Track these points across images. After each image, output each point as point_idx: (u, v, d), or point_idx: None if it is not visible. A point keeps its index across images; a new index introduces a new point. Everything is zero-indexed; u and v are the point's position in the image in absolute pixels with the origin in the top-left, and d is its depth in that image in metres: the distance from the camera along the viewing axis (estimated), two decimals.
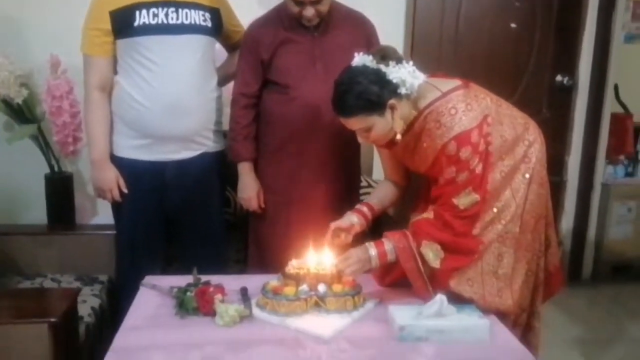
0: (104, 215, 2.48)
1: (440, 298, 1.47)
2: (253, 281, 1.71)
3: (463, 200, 1.61)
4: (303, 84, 2.01)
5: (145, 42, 1.92)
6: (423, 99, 1.65)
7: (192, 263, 2.10)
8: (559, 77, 3.27)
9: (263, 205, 2.11)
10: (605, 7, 3.21)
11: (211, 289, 1.57)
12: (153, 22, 1.92)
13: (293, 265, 1.64)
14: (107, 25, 1.93)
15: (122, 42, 1.95)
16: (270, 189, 2.12)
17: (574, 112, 3.35)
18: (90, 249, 2.29)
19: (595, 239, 3.49)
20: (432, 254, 1.60)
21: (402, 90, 1.60)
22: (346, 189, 2.18)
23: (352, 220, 1.79)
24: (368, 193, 2.77)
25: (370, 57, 1.63)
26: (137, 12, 1.91)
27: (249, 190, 2.10)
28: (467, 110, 1.61)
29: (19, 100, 2.31)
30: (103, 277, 2.23)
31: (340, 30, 2.05)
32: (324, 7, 1.94)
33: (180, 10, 1.95)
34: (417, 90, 1.62)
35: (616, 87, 3.49)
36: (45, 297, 1.72)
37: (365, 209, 1.84)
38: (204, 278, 1.64)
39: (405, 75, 1.60)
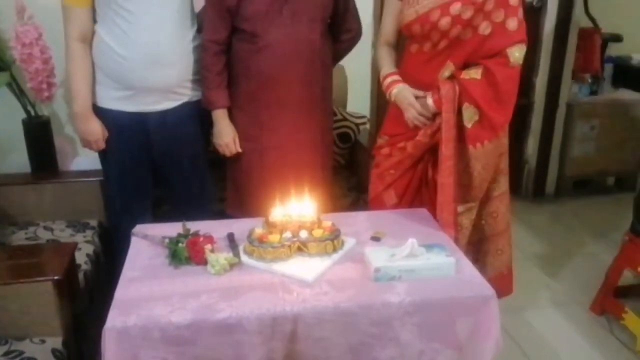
0: (85, 156, 2.54)
1: (411, 241, 1.61)
2: (237, 226, 1.83)
3: (516, 52, 1.80)
4: (271, 32, 2.01)
5: None
6: None
7: (180, 202, 2.24)
8: None
9: (240, 150, 2.18)
10: None
11: (201, 239, 1.68)
12: None
13: (276, 213, 1.76)
14: None
15: None
16: (245, 136, 2.17)
17: (542, 34, 3.40)
18: (78, 194, 2.36)
19: (559, 156, 3.67)
20: (468, 115, 1.83)
21: None
22: (320, 133, 2.25)
23: (410, 91, 1.93)
24: (344, 126, 2.88)
25: None
26: None
27: (224, 136, 2.15)
28: None
29: None
30: (93, 222, 2.33)
31: None
32: None
33: None
34: None
35: (585, 1, 3.53)
36: (46, 254, 1.81)
37: (397, 76, 1.99)
38: (191, 222, 1.74)
39: None
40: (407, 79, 1.98)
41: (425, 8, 1.85)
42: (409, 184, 2.06)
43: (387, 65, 2.04)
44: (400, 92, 1.95)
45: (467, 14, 1.81)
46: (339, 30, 2.22)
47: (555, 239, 3.23)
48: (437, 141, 1.91)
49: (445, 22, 1.82)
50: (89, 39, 2.00)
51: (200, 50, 2.07)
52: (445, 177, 1.89)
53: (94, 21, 2.00)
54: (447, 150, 1.87)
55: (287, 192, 1.81)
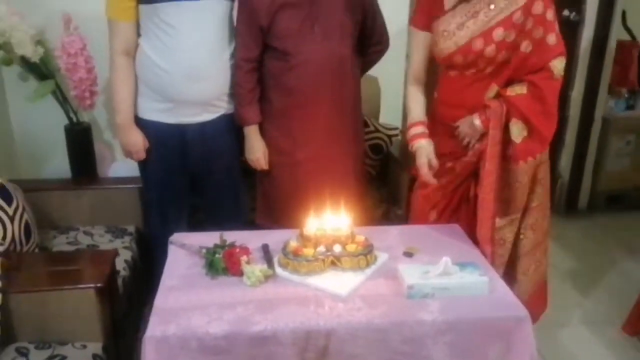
0: (122, 162, 2.61)
1: (445, 260, 1.62)
2: (271, 237, 1.87)
3: (558, 65, 1.85)
4: (303, 50, 2.05)
5: (166, 8, 1.95)
6: None
7: (214, 211, 2.29)
8: (566, 12, 3.27)
9: (267, 167, 2.22)
10: None
11: (237, 250, 1.72)
12: None
13: (310, 226, 1.79)
14: None
15: (144, 7, 1.98)
16: (277, 149, 2.21)
17: (579, 47, 3.37)
18: (116, 201, 2.43)
19: (592, 171, 3.63)
20: (517, 131, 1.86)
21: None
22: (351, 145, 2.27)
23: (429, 150, 1.97)
24: (376, 137, 2.90)
25: None
26: None
27: (255, 151, 2.19)
28: None
29: (36, 59, 2.36)
30: (131, 228, 2.39)
31: None
32: None
33: None
34: None
35: (624, 14, 3.48)
36: (88, 260, 1.86)
37: (423, 128, 2.01)
38: (226, 232, 1.78)
39: None
40: (448, 102, 2.00)
41: (465, 38, 1.86)
42: (450, 202, 2.09)
43: (416, 111, 2.04)
44: (420, 148, 1.97)
45: (511, 37, 1.83)
46: (368, 44, 2.24)
47: (587, 255, 3.19)
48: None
49: (490, 49, 1.84)
50: (132, 53, 2.06)
51: (234, 71, 2.11)
52: (487, 193, 1.90)
53: (138, 35, 2.05)
54: (490, 165, 1.88)
55: (318, 205, 1.85)
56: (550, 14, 1.81)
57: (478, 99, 1.91)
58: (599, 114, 3.50)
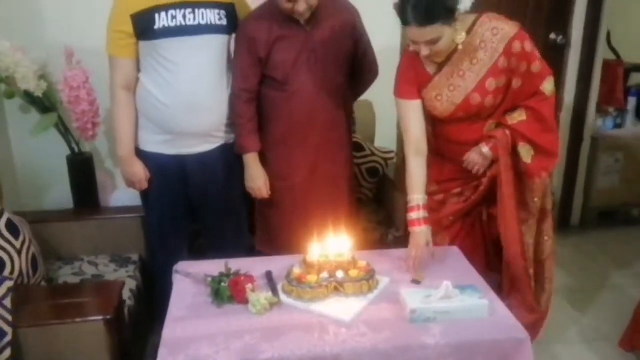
0: (124, 190, 2.65)
1: (446, 284, 1.67)
2: (275, 263, 1.92)
3: (548, 86, 1.93)
4: (299, 79, 2.13)
5: (165, 44, 2.01)
6: (462, 21, 1.87)
7: (215, 238, 2.33)
8: (552, 36, 3.36)
9: (269, 194, 2.27)
10: None
11: (243, 279, 1.76)
12: (172, 24, 2.00)
13: (313, 253, 1.83)
14: (130, 28, 2.00)
15: (143, 44, 2.04)
16: (276, 175, 2.27)
17: (567, 69, 3.46)
18: (120, 230, 2.46)
19: (584, 187, 3.70)
20: (525, 153, 1.96)
21: (460, 8, 1.81)
22: (342, 168, 2.35)
23: (428, 235, 1.95)
24: (372, 161, 2.96)
25: None
26: (157, 15, 1.99)
27: (256, 179, 2.25)
28: (506, 20, 1.90)
29: (39, 93, 2.41)
30: (134, 257, 2.43)
31: (329, 21, 2.14)
32: (314, 1, 2.02)
33: (197, 10, 2.03)
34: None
35: (608, 34, 3.59)
36: (96, 292, 1.90)
37: (424, 213, 1.96)
38: (229, 259, 1.83)
39: None
40: (449, 139, 2.06)
41: (462, 96, 1.93)
42: (462, 227, 2.15)
43: (416, 188, 1.98)
44: (420, 233, 1.94)
45: (502, 82, 1.92)
46: (360, 72, 2.32)
47: (581, 271, 3.24)
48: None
49: (489, 100, 1.93)
50: (133, 87, 2.12)
51: (233, 101, 2.17)
52: (509, 219, 2.01)
53: (138, 70, 2.11)
54: (508, 189, 1.98)
55: (318, 227, 1.90)
56: (528, 46, 1.88)
57: (479, 134, 2.00)
58: (587, 133, 3.59)
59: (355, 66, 2.28)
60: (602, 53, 3.48)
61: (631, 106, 3.82)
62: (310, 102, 2.15)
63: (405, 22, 1.78)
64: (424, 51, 1.82)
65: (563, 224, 3.73)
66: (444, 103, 1.96)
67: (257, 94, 2.19)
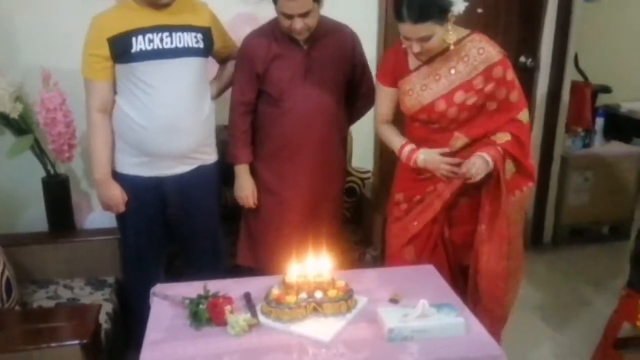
0: (99, 211, 2.62)
1: (422, 302, 1.70)
2: (253, 284, 1.92)
3: (523, 116, 2.06)
4: (294, 96, 2.19)
5: (142, 67, 2.02)
6: (455, 30, 1.96)
7: (193, 258, 2.33)
8: (522, 59, 3.46)
9: (256, 203, 2.31)
10: None
11: (221, 300, 1.76)
12: (149, 47, 2.02)
13: (291, 273, 1.84)
14: (106, 51, 2.01)
15: (120, 67, 2.05)
16: (266, 188, 2.32)
17: (536, 91, 3.56)
18: (95, 252, 2.44)
19: (555, 206, 3.79)
20: (509, 169, 2.05)
21: (454, 10, 1.89)
22: (334, 186, 2.40)
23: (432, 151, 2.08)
24: (349, 180, 2.99)
25: None
26: (134, 39, 2.01)
27: (245, 189, 2.29)
28: (494, 44, 2.01)
29: (14, 115, 2.39)
30: (110, 279, 2.40)
31: (327, 43, 2.21)
32: (312, 21, 2.09)
33: (174, 34, 2.05)
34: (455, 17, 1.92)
35: (576, 56, 3.71)
36: (72, 316, 1.87)
37: (413, 145, 2.12)
38: (207, 280, 1.82)
39: None
40: (417, 142, 2.13)
41: (429, 99, 2.02)
42: (427, 241, 2.19)
43: (397, 138, 2.18)
44: (427, 155, 2.08)
45: (472, 100, 1.99)
46: (356, 95, 2.38)
47: (554, 288, 3.30)
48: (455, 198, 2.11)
49: (452, 111, 2.00)
50: (109, 110, 2.12)
51: (230, 112, 2.25)
52: (503, 229, 2.08)
53: (115, 92, 2.12)
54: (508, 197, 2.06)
55: (301, 244, 1.93)
56: (509, 74, 1.98)
57: (445, 142, 2.07)
58: (557, 152, 3.68)
59: (352, 89, 2.35)
60: (570, 75, 3.59)
61: (599, 126, 3.94)
62: (304, 119, 2.21)
63: (399, 18, 1.88)
64: (416, 48, 1.92)
65: (535, 241, 3.81)
66: (412, 100, 2.05)
67: (253, 107, 2.25)
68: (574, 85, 3.71)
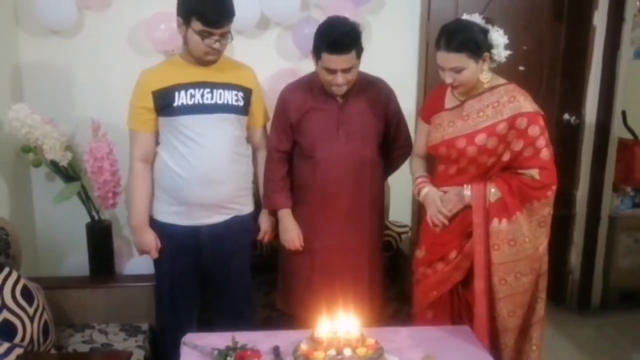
0: (140, 258, 2.68)
1: None
2: (282, 338, 1.91)
3: (535, 175, 1.99)
4: (327, 148, 2.22)
5: (183, 120, 2.11)
6: (495, 78, 2.02)
7: (224, 308, 2.33)
8: (566, 116, 3.42)
9: (302, 245, 2.31)
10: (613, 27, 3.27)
11: (249, 353, 1.76)
12: (190, 102, 2.11)
13: (321, 329, 1.82)
14: (150, 104, 2.12)
15: (163, 119, 2.14)
16: None
17: (581, 148, 3.48)
18: (132, 298, 2.47)
19: (603, 269, 3.62)
20: (493, 192, 2.00)
21: (494, 53, 1.94)
22: (367, 239, 2.36)
23: (436, 190, 2.14)
24: (386, 234, 2.96)
25: (479, 16, 1.97)
26: (177, 93, 2.10)
27: (290, 231, 2.31)
28: (530, 100, 2.00)
29: (64, 163, 2.51)
30: (144, 326, 2.42)
31: (362, 97, 2.25)
32: (353, 76, 2.14)
33: (215, 90, 2.14)
34: (497, 63, 1.97)
35: (624, 113, 3.62)
36: None
37: (428, 179, 2.21)
38: (238, 333, 1.83)
39: (501, 42, 1.94)
40: (437, 183, 2.17)
41: (452, 135, 2.06)
42: (444, 306, 2.20)
43: (419, 170, 2.28)
44: (429, 191, 2.14)
45: (492, 144, 1.99)
46: (392, 147, 2.41)
47: (602, 354, 3.14)
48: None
49: (471, 150, 2.02)
50: (150, 159, 2.20)
51: (267, 159, 2.31)
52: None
53: (157, 143, 2.20)
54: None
55: (335, 297, 1.92)
56: (533, 130, 1.95)
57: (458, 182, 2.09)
58: (605, 212, 3.55)
59: (388, 141, 2.37)
60: (617, 132, 3.51)
61: None
62: (336, 171, 2.23)
63: (437, 46, 1.96)
64: (448, 78, 1.97)
65: (583, 305, 3.64)
66: (437, 133, 2.10)
67: (290, 156, 2.31)
68: (622, 143, 3.62)
